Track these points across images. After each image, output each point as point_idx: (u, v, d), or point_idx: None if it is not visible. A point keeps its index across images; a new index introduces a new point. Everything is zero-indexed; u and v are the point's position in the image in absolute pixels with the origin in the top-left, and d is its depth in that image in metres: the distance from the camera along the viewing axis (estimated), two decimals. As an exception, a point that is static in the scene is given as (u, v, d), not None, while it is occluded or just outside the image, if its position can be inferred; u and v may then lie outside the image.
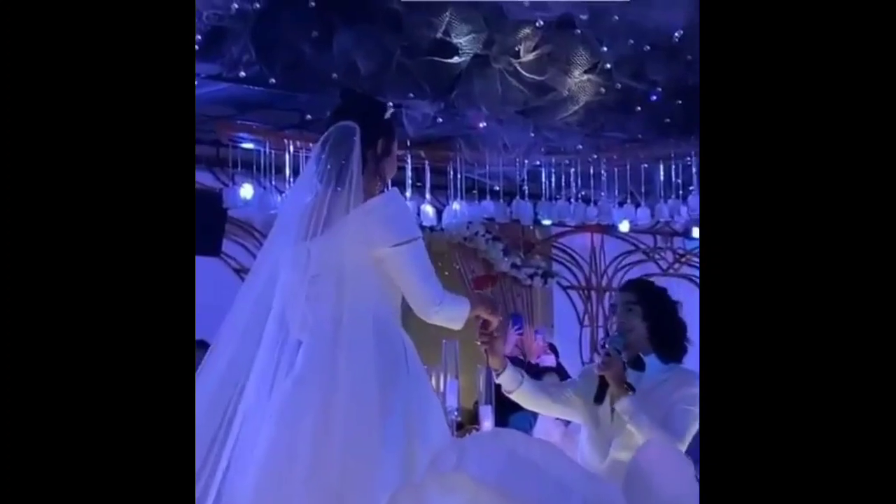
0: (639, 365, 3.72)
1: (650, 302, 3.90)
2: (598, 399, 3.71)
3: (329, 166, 3.06)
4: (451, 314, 3.14)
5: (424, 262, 3.11)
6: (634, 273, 10.10)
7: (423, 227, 8.31)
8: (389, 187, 3.31)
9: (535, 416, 5.53)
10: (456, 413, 5.93)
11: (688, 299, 7.93)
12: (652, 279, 6.50)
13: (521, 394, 3.75)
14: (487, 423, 5.68)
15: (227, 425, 2.95)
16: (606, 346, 3.77)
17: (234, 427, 2.96)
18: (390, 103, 3.36)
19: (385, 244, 3.03)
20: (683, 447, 3.53)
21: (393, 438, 2.90)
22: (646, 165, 8.30)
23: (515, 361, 6.46)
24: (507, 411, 5.98)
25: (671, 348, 3.81)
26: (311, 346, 3.02)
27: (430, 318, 3.09)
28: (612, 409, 3.62)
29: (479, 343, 3.54)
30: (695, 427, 3.49)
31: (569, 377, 7.07)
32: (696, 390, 3.50)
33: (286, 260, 3.09)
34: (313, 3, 5.97)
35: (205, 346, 3.05)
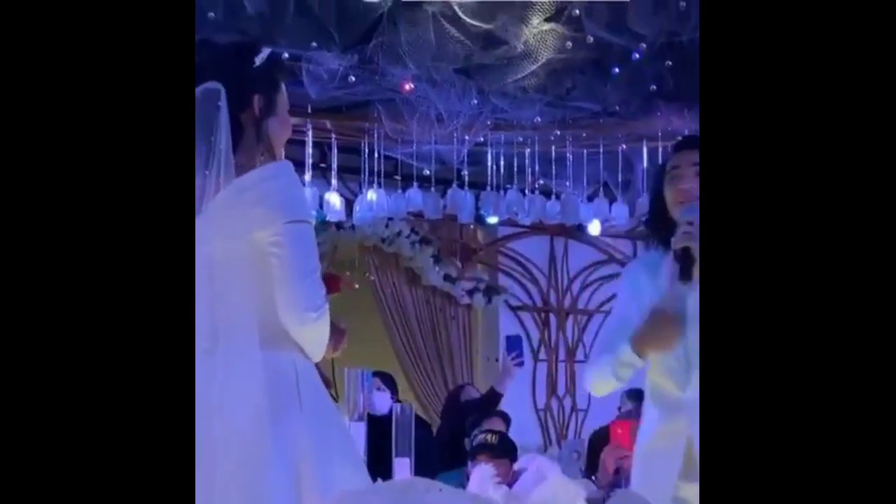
0: None
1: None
2: (684, 276, 3.54)
3: (197, 146, 3.00)
4: (324, 332, 3.11)
5: (310, 254, 3.06)
6: (607, 291, 10.16)
7: (327, 224, 8.27)
8: (281, 156, 3.29)
9: (469, 469, 5.49)
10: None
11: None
12: None
13: None
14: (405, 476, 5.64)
15: None
16: (678, 228, 3.57)
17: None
18: (264, 47, 3.23)
19: (265, 227, 3.00)
20: None
21: (282, 481, 2.91)
22: (624, 147, 8.37)
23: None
24: (432, 467, 5.99)
25: None
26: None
27: (303, 327, 3.04)
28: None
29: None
30: None
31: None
32: None
33: None
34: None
35: None
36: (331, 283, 3.29)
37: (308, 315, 3.01)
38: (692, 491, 3.54)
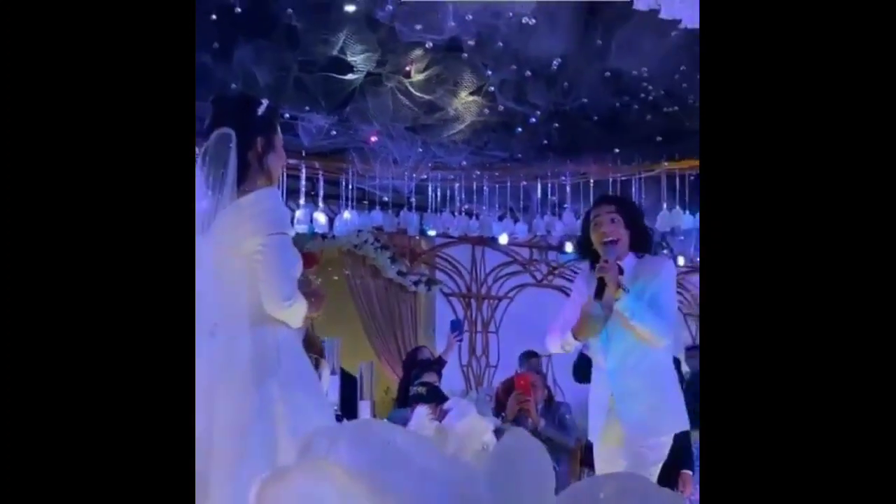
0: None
1: (628, 210, 4.02)
2: (598, 295, 3.80)
3: (211, 176, 2.90)
4: (299, 312, 2.99)
5: (288, 258, 2.95)
6: (511, 283, 10.24)
7: (315, 235, 8.18)
8: (278, 181, 3.15)
9: (411, 411, 5.54)
10: (336, 408, 5.86)
11: (559, 310, 8.02)
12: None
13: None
14: (365, 416, 5.65)
15: None
16: (603, 256, 3.87)
17: None
18: (264, 100, 3.12)
19: (254, 237, 2.89)
20: (671, 325, 3.82)
21: (263, 429, 2.78)
22: (524, 183, 8.34)
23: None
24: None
25: (646, 244, 4.00)
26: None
27: (280, 312, 2.93)
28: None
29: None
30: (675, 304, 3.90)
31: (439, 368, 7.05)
32: (671, 271, 3.93)
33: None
34: (214, 17, 5.83)
35: None
36: (308, 259, 3.19)
37: (284, 304, 2.89)
38: (613, 430, 3.87)
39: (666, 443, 3.80)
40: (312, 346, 5.01)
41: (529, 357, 7.85)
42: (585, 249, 4.05)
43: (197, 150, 3.03)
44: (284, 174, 7.55)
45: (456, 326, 8.07)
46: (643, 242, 4.01)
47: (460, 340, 8.17)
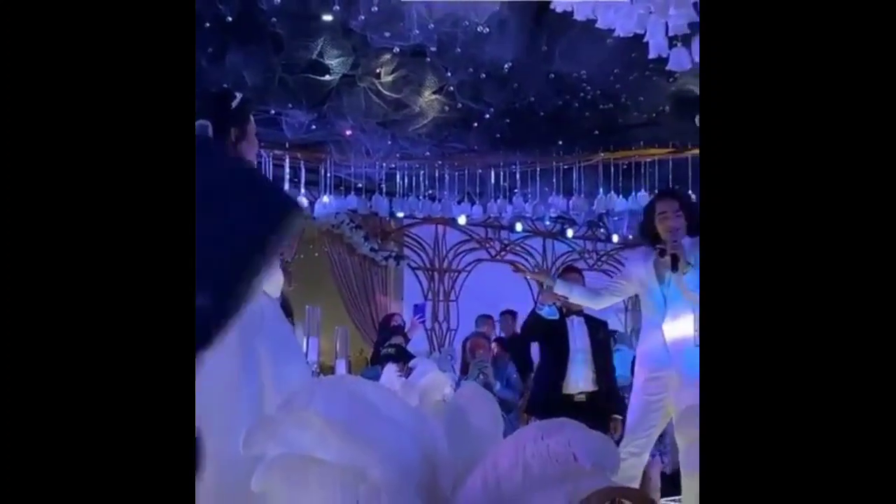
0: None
1: (688, 206, 4.17)
2: (674, 268, 3.99)
3: None
4: (277, 282, 2.87)
5: None
6: (469, 258, 10.26)
7: None
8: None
9: (381, 369, 5.58)
10: (315, 366, 5.88)
11: (510, 282, 8.01)
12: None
13: (569, 295, 4.35)
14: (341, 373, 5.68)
15: None
16: (667, 244, 4.04)
17: None
18: (238, 93, 2.97)
19: None
20: None
21: (250, 385, 2.66)
22: (480, 171, 8.37)
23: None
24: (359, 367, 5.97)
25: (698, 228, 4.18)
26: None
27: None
28: (666, 285, 4.01)
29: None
30: None
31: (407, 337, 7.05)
32: None
33: None
34: (208, 25, 5.82)
35: None
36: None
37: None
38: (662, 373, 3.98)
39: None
40: (287, 312, 4.96)
41: (485, 320, 7.89)
42: (647, 234, 4.25)
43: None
44: (270, 163, 7.56)
45: (419, 310, 8.05)
46: (696, 227, 4.22)
47: (423, 322, 8.11)
